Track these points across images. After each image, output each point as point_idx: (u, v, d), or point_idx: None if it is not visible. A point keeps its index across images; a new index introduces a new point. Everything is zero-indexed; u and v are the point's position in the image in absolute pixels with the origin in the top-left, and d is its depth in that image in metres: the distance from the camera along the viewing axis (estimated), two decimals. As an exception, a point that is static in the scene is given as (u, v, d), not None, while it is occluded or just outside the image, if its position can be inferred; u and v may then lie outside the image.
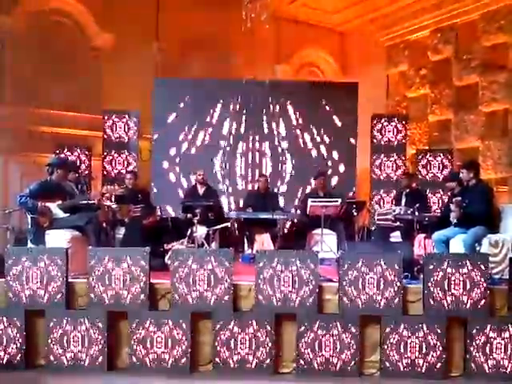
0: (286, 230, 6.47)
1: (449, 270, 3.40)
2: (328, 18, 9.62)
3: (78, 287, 3.53)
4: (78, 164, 6.58)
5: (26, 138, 7.41)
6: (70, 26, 7.93)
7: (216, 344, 3.38)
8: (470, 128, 8.03)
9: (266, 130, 7.39)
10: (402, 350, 3.36)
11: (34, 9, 7.61)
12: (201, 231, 5.27)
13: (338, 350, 3.36)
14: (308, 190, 7.00)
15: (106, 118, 7.11)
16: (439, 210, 6.19)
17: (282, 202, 6.89)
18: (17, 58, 7.34)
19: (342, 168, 7.36)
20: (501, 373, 3.34)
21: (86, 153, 6.97)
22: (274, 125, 7.41)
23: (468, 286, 3.38)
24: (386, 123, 7.24)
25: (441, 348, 3.34)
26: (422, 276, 3.54)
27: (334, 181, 7.28)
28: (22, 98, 7.37)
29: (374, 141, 7.25)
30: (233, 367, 3.38)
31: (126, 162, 7.10)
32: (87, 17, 7.99)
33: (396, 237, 5.43)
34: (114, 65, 7.83)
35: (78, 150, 6.92)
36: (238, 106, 7.34)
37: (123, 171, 6.99)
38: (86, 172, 6.85)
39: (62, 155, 6.72)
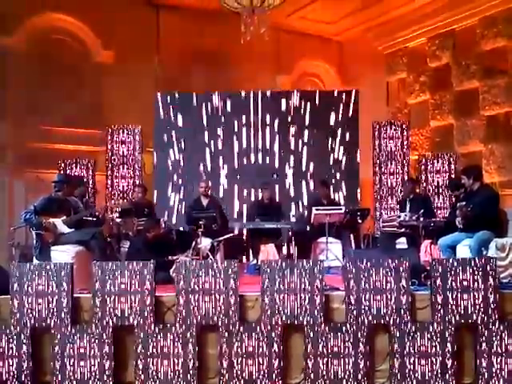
0: (290, 240, 6.44)
1: (456, 275, 3.37)
2: (326, 29, 9.70)
3: (83, 302, 3.51)
4: (83, 179, 6.63)
5: (29, 154, 7.47)
6: (71, 42, 8.03)
7: (223, 356, 3.35)
8: (473, 132, 8.02)
9: (267, 141, 7.42)
10: (411, 358, 3.31)
11: (35, 26, 7.71)
12: (205, 243, 5.26)
13: (346, 359, 3.32)
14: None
15: (108, 132, 7.18)
16: (445, 215, 6.16)
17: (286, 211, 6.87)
18: (18, 76, 7.42)
19: (344, 176, 7.35)
20: (513, 379, 3.29)
21: (90, 168, 7.02)
22: (276, 136, 7.44)
23: (476, 291, 3.34)
24: (387, 130, 7.26)
25: (451, 355, 3.30)
26: (429, 282, 3.50)
27: (337, 189, 7.27)
28: (24, 115, 7.44)
29: (376, 148, 7.26)
30: (241, 379, 3.34)
31: (129, 176, 7.14)
32: (88, 33, 8.09)
33: (402, 243, 5.40)
34: (116, 80, 7.90)
35: (82, 165, 6.98)
36: (238, 118, 7.38)
37: (126, 185, 7.04)
38: (90, 187, 6.89)
39: (67, 171, 6.78)
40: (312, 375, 3.33)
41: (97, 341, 3.36)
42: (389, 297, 3.36)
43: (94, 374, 3.35)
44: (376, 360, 3.39)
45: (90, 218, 4.64)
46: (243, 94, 7.50)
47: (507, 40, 7.58)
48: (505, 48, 7.64)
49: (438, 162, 7.07)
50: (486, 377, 3.30)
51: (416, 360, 3.31)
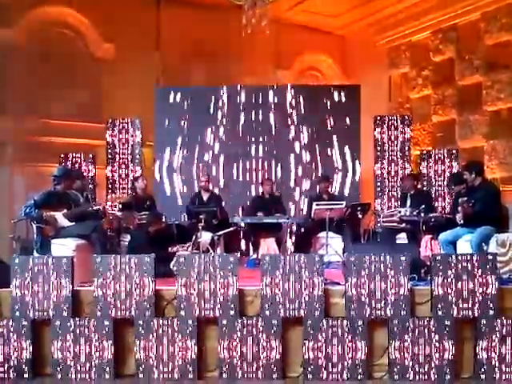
0: (291, 234, 6.46)
1: (456, 270, 3.36)
2: (328, 22, 9.64)
3: (83, 295, 3.53)
4: (82, 172, 6.63)
5: (30, 148, 7.46)
6: (71, 36, 7.99)
7: (223, 350, 3.36)
8: (475, 128, 7.99)
9: (268, 135, 7.40)
10: (410, 353, 3.32)
11: (35, 20, 7.67)
12: (205, 237, 5.26)
13: (345, 353, 3.33)
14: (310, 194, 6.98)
15: (108, 126, 7.16)
16: (447, 211, 6.15)
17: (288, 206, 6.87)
18: (18, 70, 7.39)
19: (345, 171, 7.33)
20: (512, 374, 3.29)
21: (90, 161, 7.02)
22: (276, 130, 7.41)
23: (476, 287, 3.34)
24: (389, 124, 7.23)
25: (450, 350, 3.30)
26: (429, 277, 3.50)
27: (338, 184, 7.26)
28: (24, 109, 7.42)
29: (378, 142, 7.24)
30: (240, 373, 3.36)
31: (129, 170, 7.14)
32: (88, 27, 8.05)
33: (402, 238, 5.40)
34: (116, 74, 7.87)
35: (82, 159, 6.98)
36: (238, 112, 7.36)
37: (127, 179, 7.04)
38: (90, 180, 6.89)
39: (67, 165, 6.78)
40: (311, 369, 3.34)
41: (97, 334, 3.37)
42: (388, 292, 3.36)
43: (94, 366, 3.37)
44: (375, 354, 3.40)
45: (91, 212, 4.63)
46: (244, 88, 7.47)
47: (511, 34, 7.53)
48: (508, 43, 7.59)
49: (439, 158, 7.04)
50: (485, 372, 3.30)
51: (415, 355, 3.31)
